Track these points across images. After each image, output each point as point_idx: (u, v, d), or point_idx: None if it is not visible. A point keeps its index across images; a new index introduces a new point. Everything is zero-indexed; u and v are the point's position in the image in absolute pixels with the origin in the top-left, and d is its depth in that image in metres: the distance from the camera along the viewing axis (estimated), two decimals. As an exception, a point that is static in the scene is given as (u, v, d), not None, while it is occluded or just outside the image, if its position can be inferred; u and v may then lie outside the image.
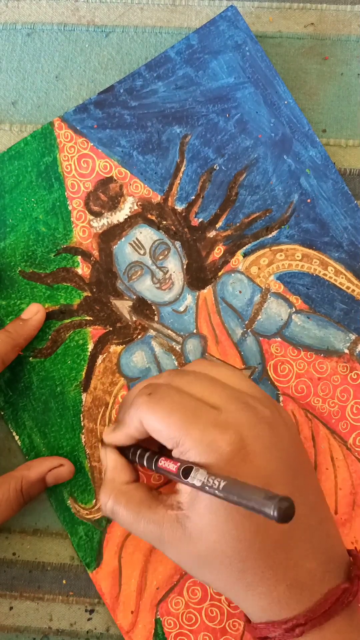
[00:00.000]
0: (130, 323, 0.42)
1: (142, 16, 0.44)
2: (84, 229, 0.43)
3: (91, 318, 0.42)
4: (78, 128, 0.43)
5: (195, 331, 0.42)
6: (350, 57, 0.44)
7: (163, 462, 0.34)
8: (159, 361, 0.42)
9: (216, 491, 0.29)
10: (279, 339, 0.42)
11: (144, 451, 0.36)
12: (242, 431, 0.33)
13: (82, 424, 0.42)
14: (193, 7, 0.44)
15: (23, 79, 0.44)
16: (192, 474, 0.31)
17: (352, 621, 0.33)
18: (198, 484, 0.31)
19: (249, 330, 0.42)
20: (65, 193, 0.43)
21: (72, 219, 0.43)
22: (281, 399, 0.42)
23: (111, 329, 0.42)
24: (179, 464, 0.33)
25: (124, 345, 0.42)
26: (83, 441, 0.42)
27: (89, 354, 0.42)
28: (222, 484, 0.29)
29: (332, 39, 0.44)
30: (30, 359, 0.42)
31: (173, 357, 0.42)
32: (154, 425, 0.34)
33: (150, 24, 0.44)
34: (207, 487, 0.30)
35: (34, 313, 0.41)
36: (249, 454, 0.32)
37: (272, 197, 0.43)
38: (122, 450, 0.38)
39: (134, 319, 0.42)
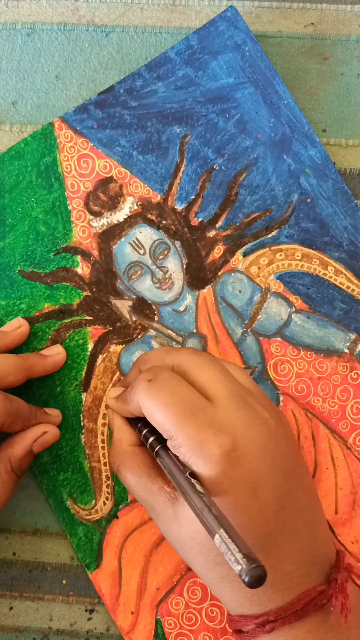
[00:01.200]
0: (130, 323, 0.42)
1: (142, 16, 0.44)
2: (84, 229, 0.43)
3: (91, 318, 0.42)
4: (78, 128, 0.43)
5: (195, 331, 0.42)
6: (351, 56, 0.44)
7: (162, 459, 0.35)
8: (159, 361, 0.42)
9: (201, 513, 0.30)
10: (278, 339, 0.42)
11: (149, 433, 0.36)
12: (236, 432, 0.33)
13: (82, 424, 0.42)
14: (193, 7, 0.44)
15: (23, 79, 0.44)
16: (188, 483, 0.32)
17: (325, 623, 0.33)
18: (194, 498, 0.31)
19: (248, 330, 0.42)
20: (65, 193, 0.43)
21: (71, 218, 0.43)
22: (281, 398, 0.42)
23: (111, 328, 0.42)
24: (178, 468, 0.33)
25: (124, 345, 0.42)
26: (83, 441, 0.41)
27: (89, 353, 0.42)
28: (208, 512, 0.30)
29: (332, 39, 0.44)
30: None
31: (173, 356, 0.42)
32: (150, 413, 0.34)
33: (150, 24, 0.44)
34: (201, 503, 0.31)
35: (16, 327, 0.41)
36: (239, 456, 0.33)
37: (271, 197, 0.43)
38: (128, 418, 0.39)
39: (134, 318, 0.42)
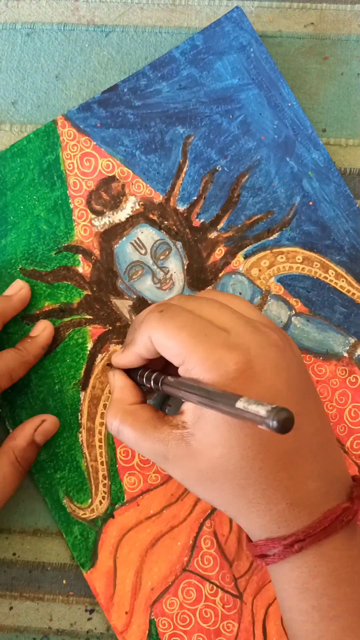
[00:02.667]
0: (129, 322, 0.42)
1: (142, 16, 0.44)
2: (86, 228, 0.43)
3: (91, 317, 0.42)
4: (81, 126, 0.43)
5: (194, 332, 0.42)
6: (351, 56, 0.44)
7: (170, 382, 0.34)
8: (158, 361, 0.42)
9: (218, 404, 0.30)
10: (278, 341, 0.42)
11: (152, 372, 0.37)
12: (250, 351, 0.33)
13: (80, 422, 0.42)
14: (193, 7, 0.44)
15: (23, 78, 0.44)
16: (195, 384, 0.32)
17: (351, 540, 0.34)
18: (201, 397, 0.31)
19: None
20: (67, 191, 0.43)
21: (73, 217, 0.43)
22: (279, 401, 0.42)
23: (111, 328, 0.42)
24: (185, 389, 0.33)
25: (123, 345, 0.42)
26: (80, 440, 0.41)
27: (88, 352, 0.42)
28: (225, 395, 0.29)
29: (332, 39, 0.44)
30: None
31: (172, 357, 0.42)
32: (162, 341, 0.34)
33: (150, 23, 0.44)
34: (208, 402, 0.30)
35: (41, 330, 0.41)
36: (255, 374, 0.33)
37: (274, 199, 0.43)
38: (130, 373, 0.38)
39: (134, 317, 0.42)
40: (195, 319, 0.34)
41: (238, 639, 0.40)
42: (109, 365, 0.39)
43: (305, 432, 0.34)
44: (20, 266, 0.42)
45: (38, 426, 0.40)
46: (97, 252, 0.43)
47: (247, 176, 0.43)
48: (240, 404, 0.28)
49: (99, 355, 0.42)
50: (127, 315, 0.42)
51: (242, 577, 0.40)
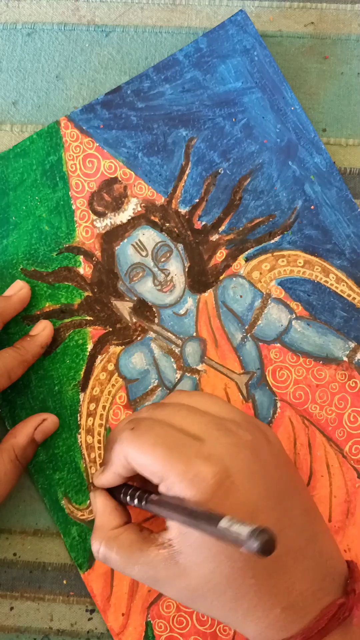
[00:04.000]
0: (130, 324, 0.42)
1: (142, 16, 0.44)
2: (87, 229, 0.43)
3: (91, 318, 0.42)
4: (84, 128, 0.43)
5: (195, 334, 0.42)
6: (351, 56, 0.44)
7: (154, 503, 0.34)
8: (158, 363, 0.42)
9: (200, 525, 0.30)
10: (278, 345, 0.42)
11: (135, 490, 0.36)
12: (225, 460, 0.33)
13: (79, 424, 0.42)
14: (193, 7, 0.44)
15: (23, 79, 0.44)
16: (177, 505, 0.32)
17: (346, 635, 0.33)
18: (185, 518, 0.31)
19: (248, 335, 0.42)
20: (70, 192, 0.43)
21: (75, 218, 0.43)
22: (279, 404, 0.42)
23: (111, 329, 0.42)
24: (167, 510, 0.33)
25: (124, 347, 0.42)
26: (79, 441, 0.42)
27: (88, 354, 0.42)
28: (208, 516, 0.29)
29: (332, 38, 0.44)
30: (29, 357, 0.42)
31: (172, 359, 0.42)
32: (138, 459, 0.34)
33: (151, 23, 0.44)
34: (190, 523, 0.30)
35: (41, 329, 0.41)
36: (233, 483, 0.33)
37: (275, 203, 0.43)
38: (112, 492, 0.38)
39: (134, 320, 0.42)
40: (167, 432, 0.34)
41: (234, 642, 0.40)
42: (92, 486, 0.39)
43: (290, 532, 0.34)
44: (21, 266, 0.42)
45: (39, 424, 0.40)
46: (98, 253, 0.43)
47: (249, 179, 0.43)
48: (223, 524, 0.28)
49: (99, 356, 0.42)
50: (128, 317, 0.42)
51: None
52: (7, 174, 0.43)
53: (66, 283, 0.42)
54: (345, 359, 0.42)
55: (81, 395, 0.42)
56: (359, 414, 0.42)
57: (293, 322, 0.42)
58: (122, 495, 0.37)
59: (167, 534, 0.34)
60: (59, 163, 0.43)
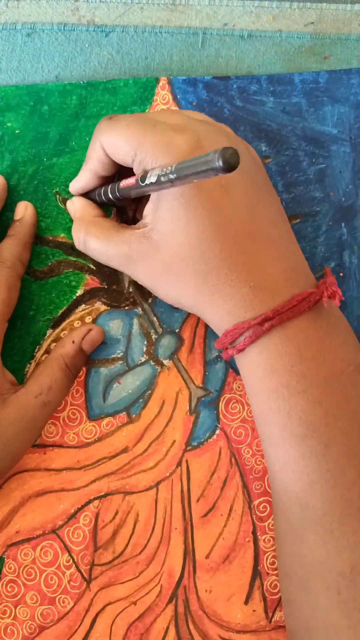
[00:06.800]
0: (125, 291, 0.42)
1: (142, 16, 0.44)
2: (132, 188, 0.43)
3: (94, 267, 0.42)
4: (178, 97, 0.43)
5: (177, 330, 0.42)
6: (351, 56, 0.44)
7: (124, 182, 0.36)
8: (131, 339, 0.42)
9: (170, 176, 0.30)
10: (245, 380, 0.42)
11: (107, 186, 0.38)
12: (200, 133, 0.34)
13: (34, 355, 0.42)
14: (193, 7, 0.44)
15: (23, 79, 0.44)
16: (148, 175, 0.33)
17: (316, 322, 0.35)
18: (154, 179, 0.32)
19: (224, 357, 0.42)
20: (135, 147, 0.43)
21: (127, 172, 0.43)
22: (217, 431, 0.42)
23: (106, 287, 0.42)
24: (138, 175, 0.34)
25: (109, 308, 0.42)
26: (26, 370, 0.42)
27: (75, 297, 0.42)
28: (174, 166, 0.30)
29: (332, 38, 0.44)
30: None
31: (145, 342, 0.42)
32: (112, 141, 0.36)
33: (150, 23, 0.44)
34: (162, 179, 0.31)
35: (24, 209, 0.42)
36: (205, 151, 0.33)
37: (311, 254, 0.43)
38: (88, 197, 0.41)
39: (130, 290, 0.42)
40: (144, 116, 0.36)
41: (67, 617, 0.40)
42: (66, 202, 0.42)
43: (261, 219, 0.35)
44: (57, 189, 0.43)
45: (85, 335, 0.41)
46: (130, 214, 0.43)
47: (298, 220, 0.43)
48: (185, 165, 0.28)
49: (83, 305, 0.42)
50: (126, 284, 0.42)
51: (99, 566, 0.41)
52: (88, 101, 0.43)
53: (88, 225, 0.43)
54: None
55: (49, 331, 0.42)
56: (282, 478, 0.42)
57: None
58: (97, 197, 0.40)
59: (142, 221, 0.37)
60: (139, 116, 0.43)
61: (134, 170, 0.36)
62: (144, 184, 0.33)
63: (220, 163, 0.25)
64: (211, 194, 0.34)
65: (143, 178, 0.34)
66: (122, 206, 0.42)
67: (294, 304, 0.34)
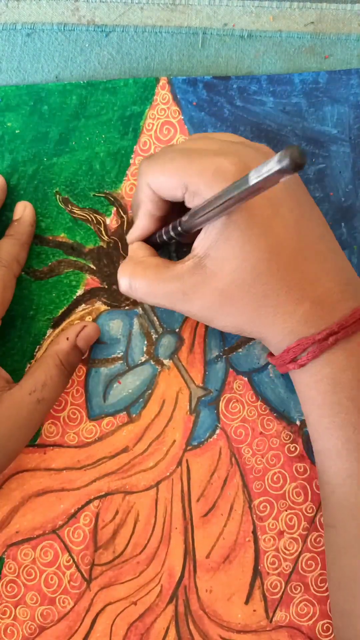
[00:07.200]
0: (125, 291, 0.42)
1: (142, 16, 0.44)
2: (132, 187, 0.43)
3: (94, 267, 0.42)
4: (179, 96, 0.43)
5: (178, 330, 0.42)
6: (351, 56, 0.44)
7: (185, 217, 0.35)
8: (132, 339, 0.42)
9: (235, 193, 0.29)
10: (245, 379, 0.42)
11: (167, 226, 0.37)
12: (241, 155, 0.34)
13: (34, 355, 0.42)
14: (193, 7, 0.44)
15: (23, 79, 0.44)
16: (207, 200, 0.32)
17: None
18: (218, 202, 0.31)
19: (224, 357, 0.42)
20: (135, 146, 0.43)
21: (127, 172, 0.43)
22: (217, 431, 0.42)
23: (106, 287, 0.42)
24: (195, 207, 0.34)
25: (109, 308, 0.42)
26: (26, 371, 0.42)
27: (75, 297, 0.42)
28: (236, 182, 0.29)
29: (332, 38, 0.44)
30: (23, 273, 0.42)
31: (145, 342, 0.42)
32: (159, 179, 0.35)
33: (150, 23, 0.44)
34: (225, 200, 0.30)
35: (22, 210, 0.42)
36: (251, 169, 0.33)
37: (311, 253, 0.43)
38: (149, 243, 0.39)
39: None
40: (183, 149, 0.35)
41: (67, 617, 0.40)
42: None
43: (309, 234, 0.35)
44: (57, 189, 0.43)
45: (79, 332, 0.40)
46: (131, 214, 0.43)
47: (298, 220, 0.43)
48: (252, 176, 0.27)
49: (83, 304, 0.42)
50: (126, 284, 0.42)
51: (99, 566, 0.41)
52: (89, 101, 0.43)
53: (89, 225, 0.43)
54: (298, 422, 0.42)
55: (49, 331, 0.42)
56: (283, 477, 0.42)
57: (270, 367, 0.42)
58: (158, 239, 0.38)
59: (193, 252, 0.35)
60: (139, 116, 0.43)
61: (186, 202, 0.35)
62: (207, 211, 0.32)
63: (288, 162, 0.25)
64: (262, 214, 0.34)
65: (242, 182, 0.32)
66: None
67: (357, 317, 0.34)
